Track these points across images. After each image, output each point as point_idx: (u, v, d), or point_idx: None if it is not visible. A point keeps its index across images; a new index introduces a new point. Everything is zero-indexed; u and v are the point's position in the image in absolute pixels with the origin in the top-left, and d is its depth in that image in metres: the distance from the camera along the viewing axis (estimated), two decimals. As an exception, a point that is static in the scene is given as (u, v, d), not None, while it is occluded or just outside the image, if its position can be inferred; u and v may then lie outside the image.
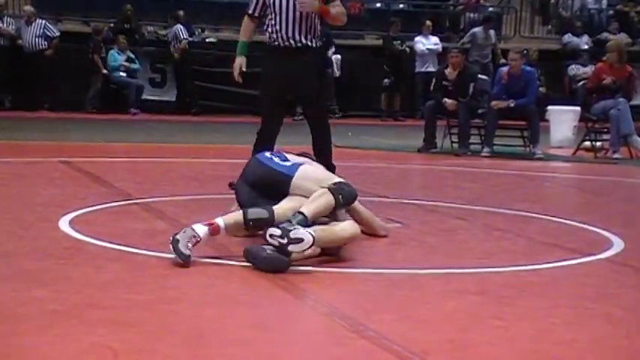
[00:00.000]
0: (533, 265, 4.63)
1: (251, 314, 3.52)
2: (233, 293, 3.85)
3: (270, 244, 4.12)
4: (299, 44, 5.86)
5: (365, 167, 8.64)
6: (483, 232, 5.77)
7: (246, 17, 6.19)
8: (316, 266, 4.26)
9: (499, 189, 8.28)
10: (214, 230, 4.35)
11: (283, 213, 4.44)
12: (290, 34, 5.85)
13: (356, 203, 4.98)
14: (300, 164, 4.81)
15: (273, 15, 5.89)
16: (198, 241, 4.26)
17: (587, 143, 11.64)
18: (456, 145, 11.26)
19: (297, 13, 5.80)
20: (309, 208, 4.40)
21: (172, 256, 4.26)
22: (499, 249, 5.13)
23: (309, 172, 4.75)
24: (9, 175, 7.74)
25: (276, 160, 4.82)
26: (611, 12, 20.56)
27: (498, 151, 11.12)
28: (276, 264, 4.12)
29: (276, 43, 5.91)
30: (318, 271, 4.21)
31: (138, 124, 14.12)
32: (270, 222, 4.34)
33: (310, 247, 4.13)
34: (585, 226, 5.87)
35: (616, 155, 11.02)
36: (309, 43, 5.87)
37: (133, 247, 4.57)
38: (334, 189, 4.51)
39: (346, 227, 4.47)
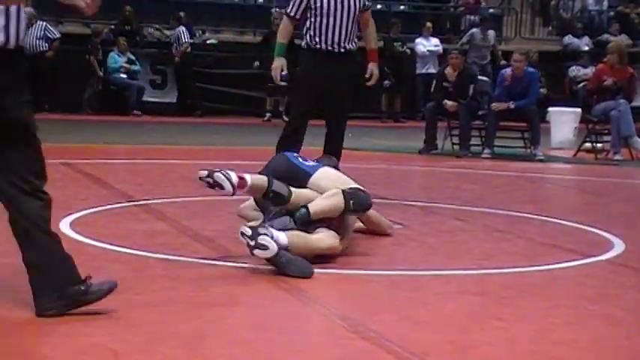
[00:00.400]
0: (533, 266, 4.63)
1: (251, 315, 3.53)
2: (233, 294, 3.86)
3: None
4: (342, 49, 5.92)
5: (366, 168, 8.64)
6: (484, 233, 5.77)
7: (285, 18, 6.13)
8: (316, 267, 4.26)
9: (499, 190, 8.27)
10: (241, 184, 4.39)
11: (296, 198, 4.45)
12: (335, 38, 5.89)
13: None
14: (322, 166, 4.83)
15: (317, 18, 5.88)
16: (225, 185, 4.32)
17: (588, 144, 11.63)
18: (456, 147, 11.26)
19: (344, 18, 5.84)
20: (315, 205, 4.41)
21: (174, 257, 4.25)
22: (499, 250, 5.13)
23: (329, 173, 4.77)
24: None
25: (301, 160, 4.84)
26: (611, 13, 20.56)
27: (499, 153, 11.12)
28: (305, 270, 4.11)
29: (319, 46, 5.93)
30: (318, 272, 4.20)
31: (138, 126, 14.12)
32: (287, 201, 4.42)
33: (275, 255, 4.06)
34: (586, 228, 5.87)
35: (617, 156, 11.02)
36: (352, 48, 5.95)
37: (133, 248, 4.58)
38: (347, 192, 4.49)
39: (324, 238, 4.39)
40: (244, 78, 16.75)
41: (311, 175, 4.66)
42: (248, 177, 4.43)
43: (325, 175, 4.70)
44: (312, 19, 5.91)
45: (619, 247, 5.20)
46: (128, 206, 6.02)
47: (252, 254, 4.08)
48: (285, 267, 4.08)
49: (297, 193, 4.49)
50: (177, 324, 3.31)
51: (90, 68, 15.99)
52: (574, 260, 4.80)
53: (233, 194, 4.39)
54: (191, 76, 16.50)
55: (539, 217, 6.29)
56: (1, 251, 4.48)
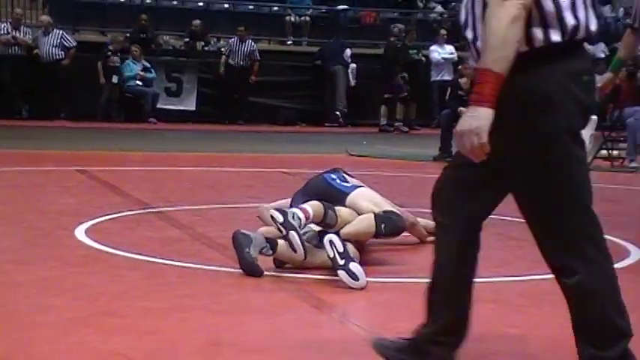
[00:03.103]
0: (548, 273, 4.58)
1: (266, 322, 3.53)
2: (248, 301, 3.86)
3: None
4: None
5: (380, 176, 8.63)
6: (499, 240, 5.75)
7: (628, 31, 5.85)
8: (332, 275, 4.26)
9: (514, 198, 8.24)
10: (307, 216, 4.38)
11: (341, 222, 4.47)
12: None
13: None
14: (359, 186, 4.89)
15: None
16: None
17: (604, 152, 11.59)
18: (471, 154, 11.23)
19: None
20: (346, 231, 4.45)
21: (189, 264, 4.26)
22: (514, 258, 5.11)
23: (366, 193, 4.83)
24: (26, 183, 7.78)
25: (338, 181, 4.88)
26: (627, 20, 20.50)
27: (514, 160, 11.08)
28: (252, 269, 4.19)
29: None
30: (333, 280, 4.20)
31: (153, 133, 14.16)
32: (333, 227, 4.44)
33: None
34: (602, 235, 5.83)
35: (633, 164, 10.97)
36: None
37: (148, 255, 4.59)
38: (380, 216, 4.53)
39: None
40: (261, 85, 16.80)
41: (348, 195, 4.73)
42: (310, 210, 4.44)
43: (362, 196, 4.76)
44: None
45: (636, 254, 5.18)
46: (143, 213, 6.04)
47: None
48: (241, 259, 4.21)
49: (341, 217, 4.54)
50: (192, 332, 3.32)
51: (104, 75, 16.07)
52: (590, 268, 4.76)
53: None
54: (245, 87, 16.57)
55: (555, 225, 6.25)
56: (18, 259, 4.51)
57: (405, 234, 5.30)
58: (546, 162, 2.55)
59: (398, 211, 4.74)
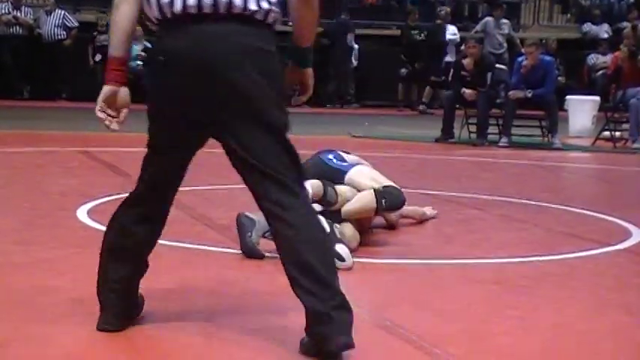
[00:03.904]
0: (551, 255, 4.61)
1: (268, 304, 3.53)
2: (248, 282, 3.86)
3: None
4: None
5: (382, 157, 8.61)
6: (501, 222, 5.75)
7: None
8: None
9: (517, 179, 8.24)
10: None
11: (341, 201, 4.48)
12: None
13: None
14: (356, 164, 4.87)
15: None
16: None
17: (607, 133, 11.57)
18: (473, 135, 11.22)
19: None
20: (347, 207, 4.46)
21: (190, 245, 4.26)
22: (517, 239, 5.11)
23: (364, 170, 4.81)
24: (27, 164, 7.77)
25: (335, 160, 4.85)
26: (631, 0, 20.40)
27: (516, 141, 11.08)
28: (252, 253, 4.19)
29: None
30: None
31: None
32: (333, 205, 4.46)
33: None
34: (604, 217, 5.84)
35: (635, 145, 10.95)
36: None
37: (150, 236, 4.57)
38: (380, 191, 4.51)
39: (351, 240, 4.41)
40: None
41: (346, 173, 4.72)
42: (309, 188, 4.39)
43: (360, 173, 4.75)
44: None
45: (638, 236, 5.17)
46: (145, 194, 6.02)
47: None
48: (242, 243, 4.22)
49: (340, 194, 4.54)
50: (193, 312, 3.32)
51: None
52: (592, 249, 4.77)
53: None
54: None
55: (557, 206, 6.26)
56: (19, 240, 4.51)
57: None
58: None
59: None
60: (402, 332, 3.15)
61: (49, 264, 3.98)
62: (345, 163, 4.84)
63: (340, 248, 4.08)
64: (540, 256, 4.58)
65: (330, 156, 4.90)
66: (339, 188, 4.55)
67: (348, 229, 4.44)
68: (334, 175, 4.69)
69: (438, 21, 16.94)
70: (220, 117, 2.84)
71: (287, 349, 2.95)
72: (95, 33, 15.86)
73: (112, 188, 6.16)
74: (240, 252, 4.25)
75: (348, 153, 5.01)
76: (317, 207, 4.54)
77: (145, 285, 3.35)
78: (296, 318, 3.35)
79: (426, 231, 5.23)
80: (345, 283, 3.94)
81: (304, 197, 2.94)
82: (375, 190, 4.51)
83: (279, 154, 2.86)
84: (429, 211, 5.49)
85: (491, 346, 3.09)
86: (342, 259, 4.04)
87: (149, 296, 3.46)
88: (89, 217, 5.05)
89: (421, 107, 16.41)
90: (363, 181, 4.64)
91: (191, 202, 5.72)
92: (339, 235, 4.20)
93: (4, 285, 3.62)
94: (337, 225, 4.34)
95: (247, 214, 4.28)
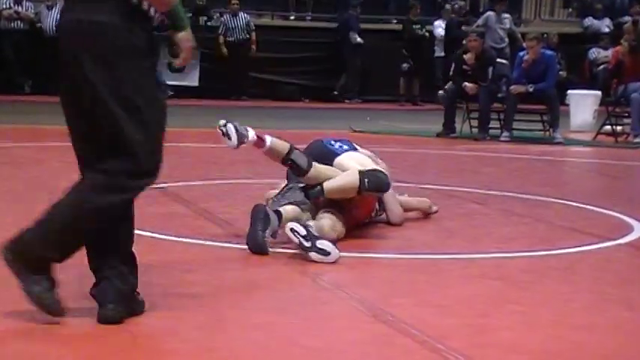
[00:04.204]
0: (552, 250, 4.61)
1: (269, 298, 3.53)
2: (251, 277, 3.86)
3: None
4: None
5: (383, 152, 8.59)
6: (502, 216, 5.75)
7: None
8: (334, 251, 4.26)
9: (518, 173, 8.24)
10: (259, 144, 4.46)
11: (317, 173, 4.46)
12: None
13: (403, 199, 5.14)
14: (353, 149, 4.86)
15: None
16: (244, 142, 4.41)
17: (608, 127, 11.56)
18: (475, 130, 11.21)
19: None
20: (329, 183, 4.43)
21: (192, 240, 4.26)
22: (518, 234, 5.11)
23: (355, 155, 4.80)
24: (28, 159, 7.77)
25: (335, 144, 4.85)
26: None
27: (518, 136, 11.07)
28: (261, 248, 4.17)
29: None
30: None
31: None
32: (305, 172, 4.43)
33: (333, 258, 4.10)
34: (605, 211, 5.83)
35: (637, 139, 10.94)
36: None
37: (151, 231, 4.58)
38: (363, 172, 4.49)
39: (328, 231, 4.34)
40: (261, 62, 16.75)
41: (338, 155, 4.70)
42: (269, 139, 4.48)
43: (350, 157, 4.74)
44: None
45: (639, 230, 5.17)
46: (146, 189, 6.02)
47: (307, 253, 4.08)
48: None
49: (318, 168, 4.50)
50: (195, 307, 3.32)
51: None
52: (594, 244, 4.77)
53: (237, 147, 4.43)
54: (247, 62, 16.50)
55: (559, 201, 6.26)
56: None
57: (408, 214, 5.31)
58: None
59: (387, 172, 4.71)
60: (403, 326, 3.15)
61: (50, 259, 3.98)
62: (343, 147, 4.81)
63: (321, 244, 4.06)
64: (541, 250, 4.58)
65: (333, 141, 4.89)
66: (322, 166, 4.52)
67: (326, 222, 4.38)
68: (327, 157, 4.67)
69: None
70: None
71: (290, 344, 2.96)
72: None
73: (113, 183, 6.16)
74: (242, 245, 4.25)
75: (360, 146, 5.00)
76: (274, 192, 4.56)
77: (146, 279, 3.36)
78: (299, 312, 3.36)
79: (428, 226, 5.23)
80: (348, 278, 3.96)
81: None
82: (359, 171, 4.49)
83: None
84: (434, 206, 5.46)
85: (492, 340, 3.09)
86: (327, 253, 4.04)
87: (150, 291, 3.47)
88: (91, 212, 5.04)
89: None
90: (350, 164, 4.62)
91: (192, 196, 5.72)
92: (316, 232, 4.14)
93: (5, 280, 3.62)
94: (312, 221, 4.28)
95: (268, 209, 4.26)
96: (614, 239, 4.90)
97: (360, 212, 4.70)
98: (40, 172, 6.92)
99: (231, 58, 16.53)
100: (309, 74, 17.49)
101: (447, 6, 17.38)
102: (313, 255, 4.04)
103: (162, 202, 5.56)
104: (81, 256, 3.28)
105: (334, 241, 4.18)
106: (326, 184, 4.41)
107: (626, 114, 11.31)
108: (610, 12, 19.56)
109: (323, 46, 17.56)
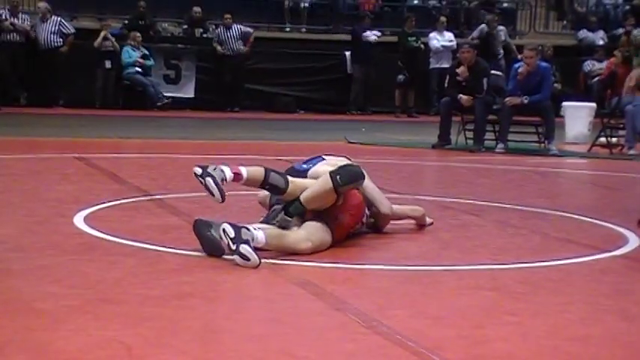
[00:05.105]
0: (547, 261, 4.61)
1: (264, 309, 3.53)
2: (246, 288, 3.86)
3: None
4: None
5: (379, 163, 8.62)
6: (497, 228, 5.76)
7: None
8: (329, 262, 4.26)
9: (513, 185, 8.25)
10: (237, 178, 4.52)
11: (294, 188, 4.50)
12: None
13: (395, 207, 5.12)
14: (322, 160, 4.89)
15: None
16: (224, 184, 4.48)
17: (603, 139, 11.59)
18: (470, 142, 11.23)
19: None
20: (305, 194, 4.46)
21: (188, 252, 4.26)
22: (513, 245, 5.12)
23: (327, 161, 4.85)
24: (24, 171, 7.77)
25: (305, 164, 4.90)
26: (627, 7, 20.46)
27: (513, 148, 11.09)
28: (215, 248, 4.24)
29: None
30: (331, 267, 4.21)
31: (152, 121, 14.14)
32: (284, 191, 4.49)
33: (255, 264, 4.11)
34: (600, 222, 5.85)
35: (631, 151, 10.98)
36: None
37: (146, 242, 4.58)
38: (332, 171, 4.51)
39: (299, 241, 4.37)
40: (258, 74, 16.80)
41: (307, 171, 4.77)
42: (244, 170, 4.53)
43: (322, 164, 4.81)
44: None
45: (634, 242, 5.18)
46: (142, 201, 6.03)
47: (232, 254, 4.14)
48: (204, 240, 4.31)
49: (296, 183, 4.55)
50: (190, 319, 3.32)
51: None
52: (589, 255, 4.78)
53: (222, 202, 4.51)
54: (244, 74, 16.57)
55: (554, 212, 6.27)
56: (16, 246, 4.51)
57: (400, 222, 5.32)
58: None
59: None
60: (398, 338, 3.15)
61: (46, 270, 3.98)
62: (311, 163, 4.87)
63: (244, 248, 4.08)
64: (537, 261, 4.59)
65: (304, 164, 4.93)
66: (298, 179, 4.57)
67: (297, 232, 4.38)
68: (299, 175, 4.72)
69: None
70: None
71: (285, 355, 2.96)
72: (100, 39, 15.93)
73: (109, 195, 6.17)
74: (239, 258, 4.26)
75: (334, 155, 5.03)
76: (264, 193, 4.62)
77: (142, 291, 3.36)
78: (294, 324, 3.36)
79: (423, 237, 5.24)
80: (342, 290, 3.96)
81: None
82: (329, 171, 4.51)
83: None
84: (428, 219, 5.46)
85: (487, 351, 3.10)
86: (247, 259, 4.07)
87: (146, 302, 3.47)
88: (86, 224, 5.04)
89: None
90: (323, 168, 4.67)
91: (188, 208, 5.72)
92: (255, 237, 4.16)
93: (2, 291, 3.62)
94: (255, 227, 4.28)
95: (201, 218, 4.37)
96: (610, 251, 4.91)
97: (350, 218, 4.67)
98: (37, 183, 6.91)
99: (226, 69, 16.57)
100: (304, 85, 17.54)
101: (442, 18, 17.44)
102: (236, 258, 4.09)
103: (159, 214, 5.56)
104: (76, 268, 3.29)
105: (302, 253, 4.26)
106: (302, 196, 4.45)
107: (621, 125, 11.36)
108: (604, 24, 19.66)
109: (319, 58, 17.61)
